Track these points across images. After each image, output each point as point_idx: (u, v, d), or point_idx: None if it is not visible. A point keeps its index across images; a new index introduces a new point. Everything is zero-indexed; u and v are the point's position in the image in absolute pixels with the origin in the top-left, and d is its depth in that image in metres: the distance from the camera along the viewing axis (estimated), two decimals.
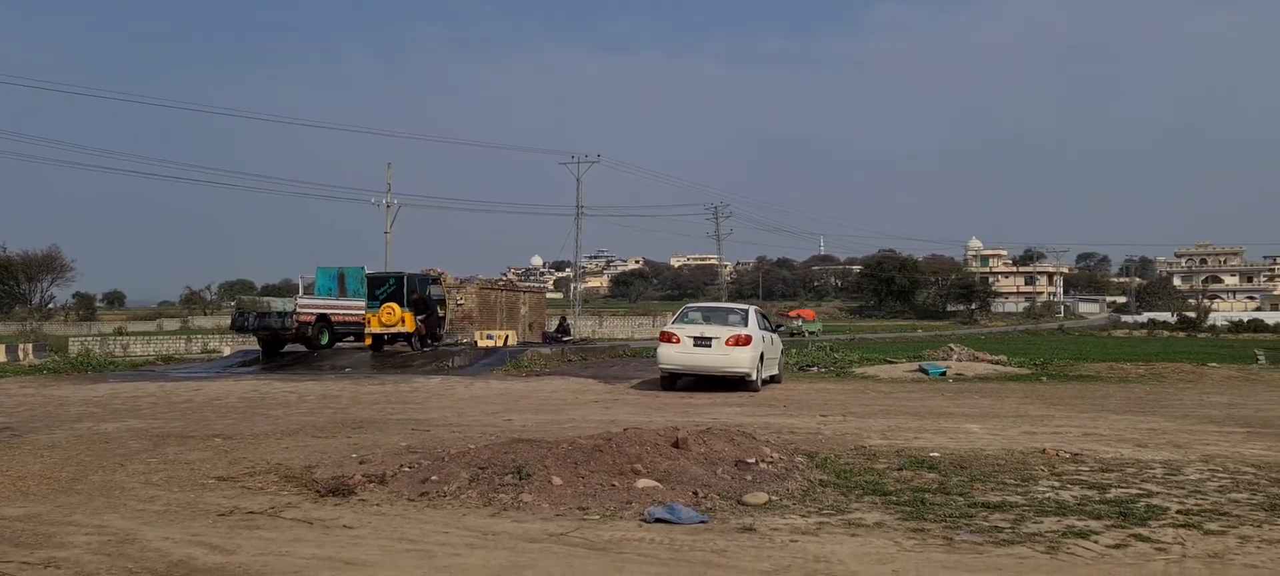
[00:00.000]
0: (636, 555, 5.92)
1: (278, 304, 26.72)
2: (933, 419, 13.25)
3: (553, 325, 41.50)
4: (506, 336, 33.14)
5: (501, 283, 43.88)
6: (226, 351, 35.88)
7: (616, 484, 7.65)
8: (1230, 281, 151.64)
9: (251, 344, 30.05)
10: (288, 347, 26.91)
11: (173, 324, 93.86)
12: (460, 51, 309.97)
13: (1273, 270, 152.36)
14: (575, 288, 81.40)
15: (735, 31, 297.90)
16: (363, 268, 28.76)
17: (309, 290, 29.74)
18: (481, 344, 30.65)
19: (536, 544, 6.19)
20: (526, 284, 74.43)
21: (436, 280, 31.27)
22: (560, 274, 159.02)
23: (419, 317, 26.82)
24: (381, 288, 27.60)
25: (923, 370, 22.43)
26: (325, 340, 26.53)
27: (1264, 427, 12.35)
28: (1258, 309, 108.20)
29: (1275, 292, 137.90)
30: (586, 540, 6.28)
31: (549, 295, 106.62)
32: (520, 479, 7.70)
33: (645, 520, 6.78)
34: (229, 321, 31.54)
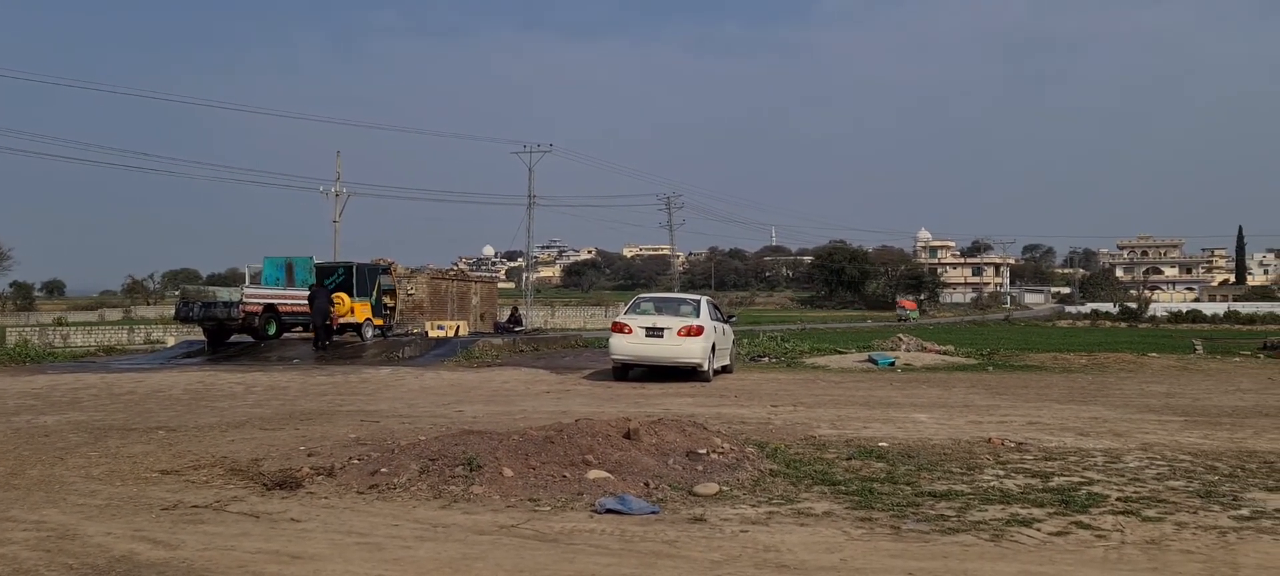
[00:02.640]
0: (587, 546, 5.92)
1: (223, 293, 26.23)
2: (881, 409, 13.40)
3: (505, 315, 41.33)
4: (458, 327, 32.86)
5: (453, 272, 43.57)
6: (170, 342, 35.21)
7: (567, 475, 7.65)
8: (1170, 273, 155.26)
9: (196, 334, 29.51)
10: (234, 338, 26.48)
11: (115, 314, 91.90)
12: (413, 37, 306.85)
13: (1211, 262, 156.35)
14: (527, 277, 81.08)
15: (694, 19, 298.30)
16: (311, 257, 28.39)
17: (256, 279, 29.27)
18: (432, 334, 30.38)
19: (487, 536, 6.17)
20: (478, 274, 73.83)
21: (386, 270, 30.96)
22: (512, 264, 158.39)
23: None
24: (330, 277, 27.25)
25: (872, 360, 22.68)
26: (273, 331, 26.14)
27: (1201, 416, 12.66)
28: (1196, 300, 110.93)
29: (1213, 284, 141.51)
30: (537, 531, 6.27)
31: (501, 285, 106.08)
32: (471, 470, 7.66)
33: (596, 511, 6.78)
34: (173, 311, 30.89)
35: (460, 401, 14.37)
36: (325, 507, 7.00)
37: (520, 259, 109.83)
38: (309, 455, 9.05)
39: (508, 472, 7.65)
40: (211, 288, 30.56)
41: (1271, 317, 73.06)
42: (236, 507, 7.01)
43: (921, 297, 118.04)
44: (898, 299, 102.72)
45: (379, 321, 28.10)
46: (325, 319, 24.90)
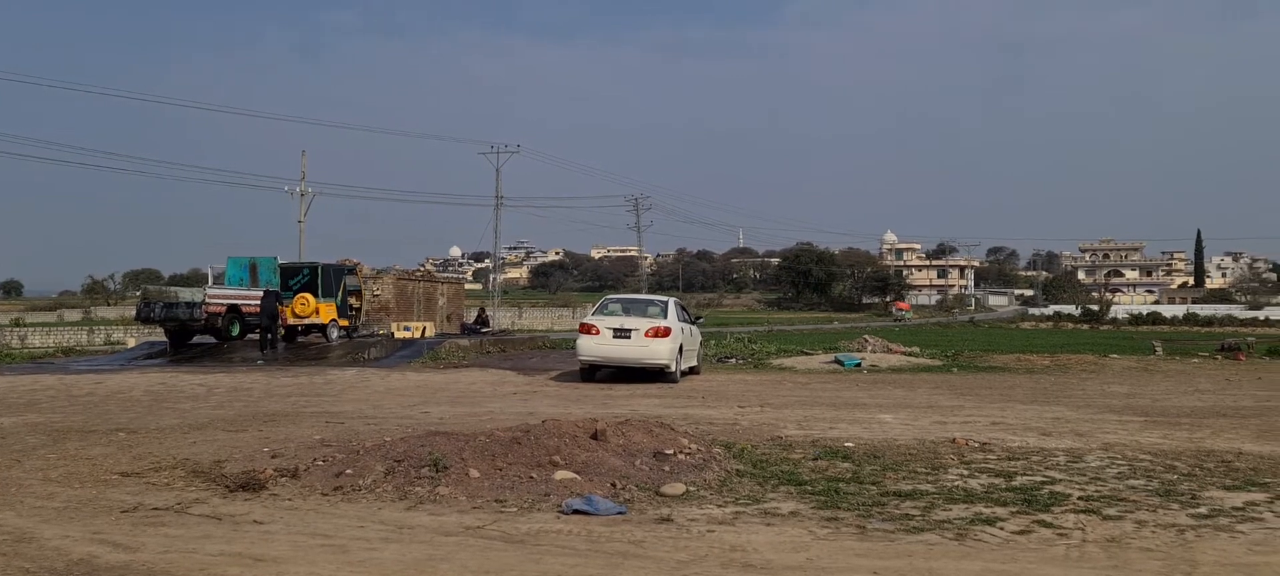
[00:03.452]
0: (554, 547, 5.90)
1: (186, 294, 25.90)
2: (847, 409, 13.48)
3: (471, 316, 41.15)
4: (424, 328, 32.72)
5: (419, 273, 43.29)
6: (131, 343, 34.73)
7: (534, 476, 7.62)
8: (1131, 276, 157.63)
9: (158, 336, 29.11)
10: (196, 339, 26.16)
11: (74, 315, 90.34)
12: (380, 38, 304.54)
13: (1170, 265, 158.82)
14: (494, 278, 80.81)
15: (663, 22, 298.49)
16: (275, 258, 28.08)
17: (219, 280, 28.92)
18: (398, 335, 30.21)
19: (453, 537, 6.14)
20: (445, 275, 73.41)
21: (352, 270, 30.71)
22: (479, 265, 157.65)
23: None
24: (295, 278, 27.00)
25: (838, 361, 22.81)
26: (236, 331, 25.84)
27: (1160, 417, 12.85)
28: (1156, 302, 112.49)
29: (1172, 287, 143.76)
30: (504, 533, 6.24)
31: (468, 286, 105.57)
32: (437, 471, 7.61)
33: (563, 512, 6.76)
34: (134, 312, 30.47)
35: (426, 403, 14.29)
36: (289, 509, 6.92)
37: (487, 260, 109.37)
38: (273, 457, 8.95)
39: (474, 474, 7.62)
40: (173, 288, 30.12)
41: (1229, 320, 74.29)
42: (198, 510, 6.92)
43: (888, 299, 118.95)
44: (895, 302, 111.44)
45: (344, 322, 27.88)
46: (273, 320, 24.63)
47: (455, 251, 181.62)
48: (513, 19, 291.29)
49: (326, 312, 26.82)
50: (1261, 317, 77.57)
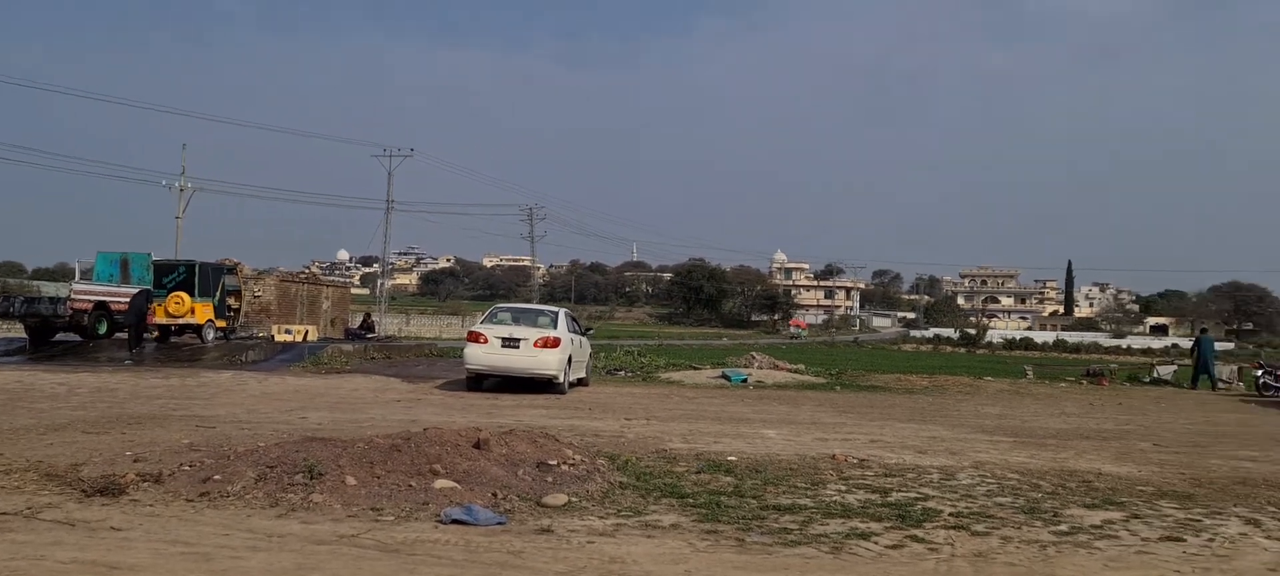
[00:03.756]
0: (429, 557, 5.77)
1: (49, 288, 24.70)
2: (732, 424, 13.62)
3: (356, 321, 40.20)
4: (306, 331, 31.83)
5: (303, 276, 42.09)
6: None
7: (413, 484, 7.46)
8: (1006, 302, 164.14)
9: (17, 331, 27.63)
10: (60, 337, 24.87)
11: None
12: (271, 33, 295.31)
13: (1043, 294, 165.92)
14: (382, 284, 79.18)
15: (564, 31, 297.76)
16: (149, 254, 26.94)
17: (87, 275, 27.59)
18: (279, 338, 29.31)
19: (325, 546, 5.94)
20: (330, 278, 71.65)
21: (232, 270, 29.69)
22: (368, 269, 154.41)
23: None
24: (170, 276, 25.92)
25: (726, 377, 23.07)
26: (103, 329, 24.67)
27: (1029, 437, 13.36)
28: (1028, 328, 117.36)
29: (1044, 314, 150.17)
30: (378, 542, 6.08)
31: (355, 291, 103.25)
32: (311, 478, 7.37)
33: (441, 521, 6.63)
34: None
35: (305, 408, 13.87)
36: (150, 516, 6.60)
37: (376, 264, 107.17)
38: (135, 461, 8.54)
39: (351, 481, 7.40)
40: (36, 282, 28.62)
41: (1095, 347, 77.95)
42: (50, 515, 6.55)
43: (778, 316, 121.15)
44: (792, 320, 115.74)
45: (222, 323, 26.88)
46: (140, 320, 23.64)
47: (343, 255, 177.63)
48: (411, 20, 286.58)
49: (202, 313, 25.82)
50: (1124, 346, 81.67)
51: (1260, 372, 26.58)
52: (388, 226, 68.19)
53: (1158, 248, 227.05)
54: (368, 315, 41.89)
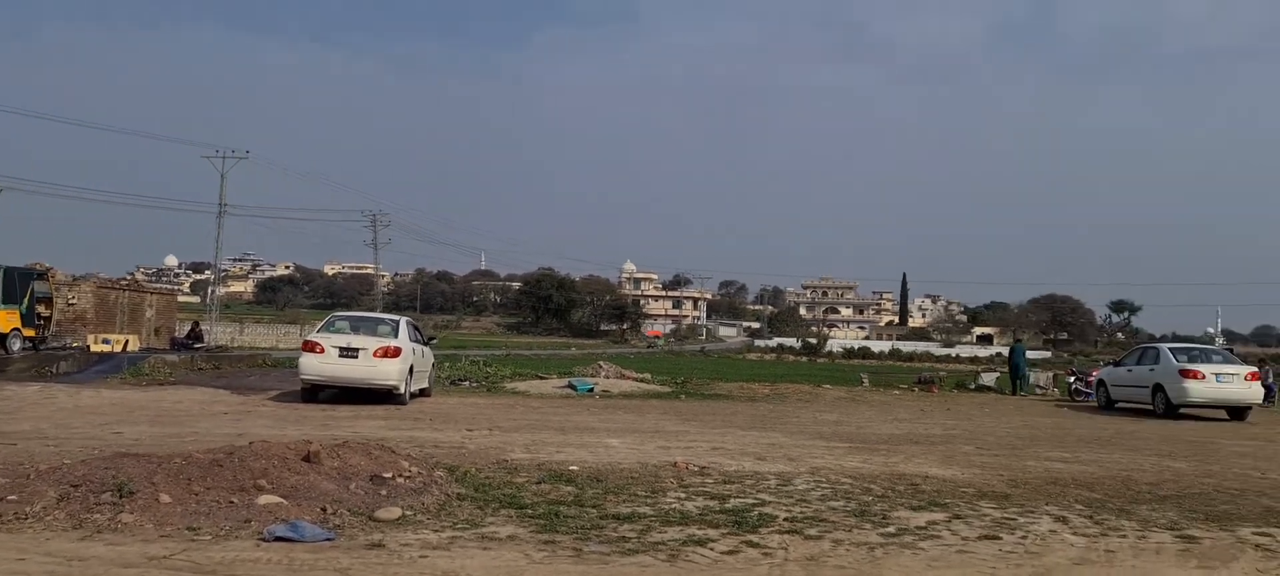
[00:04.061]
0: None
1: None
2: (576, 433, 13.56)
3: (184, 331, 38.20)
4: (127, 341, 30.02)
5: (125, 282, 39.65)
6: None
7: (235, 501, 7.07)
8: (846, 312, 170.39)
9: None
10: None
11: None
12: (89, 22, 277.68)
13: (880, 305, 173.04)
14: (213, 291, 75.55)
15: (409, 37, 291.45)
16: None
17: None
18: (96, 349, 27.55)
19: (133, 568, 5.55)
20: (156, 285, 67.92)
21: (42, 275, 27.71)
22: (199, 276, 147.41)
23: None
24: None
25: (572, 386, 23.01)
26: None
27: (862, 443, 13.82)
28: (866, 338, 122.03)
29: (881, 324, 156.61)
30: (193, 562, 5.72)
31: (184, 299, 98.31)
32: (121, 497, 6.89)
33: (264, 539, 6.30)
34: None
35: (121, 422, 13.02)
36: None
37: (208, 271, 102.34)
38: None
39: (165, 499, 6.95)
40: None
41: (928, 356, 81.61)
42: None
43: (625, 327, 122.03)
44: (649, 330, 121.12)
45: (30, 332, 25.05)
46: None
47: (171, 261, 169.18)
48: (249, 17, 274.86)
49: (8, 320, 23.99)
50: (954, 354, 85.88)
51: (1073, 379, 28.44)
52: (220, 231, 65.04)
53: (984, 261, 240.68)
54: (196, 324, 39.86)
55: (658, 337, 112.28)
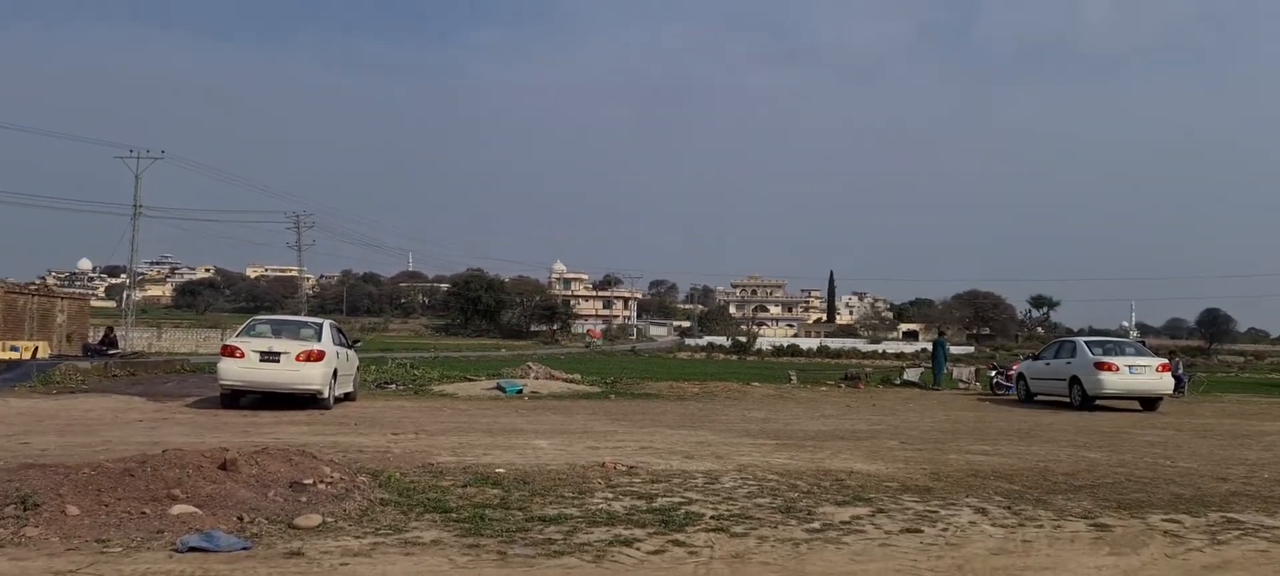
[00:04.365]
0: None
1: None
2: (504, 435, 13.45)
3: (97, 336, 37.01)
4: (36, 348, 28.98)
5: (33, 287, 38.23)
6: None
7: (148, 511, 6.84)
8: (775, 310, 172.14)
9: None
10: None
11: None
12: (7, 19, 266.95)
13: (808, 303, 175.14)
14: (128, 296, 73.36)
15: (333, 33, 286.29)
16: None
17: None
18: (3, 356, 26.52)
19: None
20: (68, 290, 65.71)
21: None
22: (114, 280, 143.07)
23: None
24: None
25: (500, 388, 22.84)
26: None
27: (789, 440, 13.94)
28: (795, 335, 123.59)
29: (809, 322, 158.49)
30: None
31: (99, 303, 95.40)
32: (25, 510, 6.62)
33: (177, 550, 6.11)
34: None
35: (28, 432, 12.53)
36: None
37: (123, 275, 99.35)
38: None
39: (73, 511, 6.70)
40: None
41: (855, 352, 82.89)
42: None
43: (555, 327, 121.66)
44: (588, 329, 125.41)
45: None
46: None
47: (85, 264, 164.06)
48: (160, 13, 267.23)
49: None
50: (880, 350, 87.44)
51: (994, 373, 29.09)
52: (135, 234, 63.36)
53: (909, 258, 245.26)
54: (110, 329, 38.62)
55: (597, 338, 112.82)
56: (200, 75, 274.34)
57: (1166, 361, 23.20)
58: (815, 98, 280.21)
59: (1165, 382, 21.82)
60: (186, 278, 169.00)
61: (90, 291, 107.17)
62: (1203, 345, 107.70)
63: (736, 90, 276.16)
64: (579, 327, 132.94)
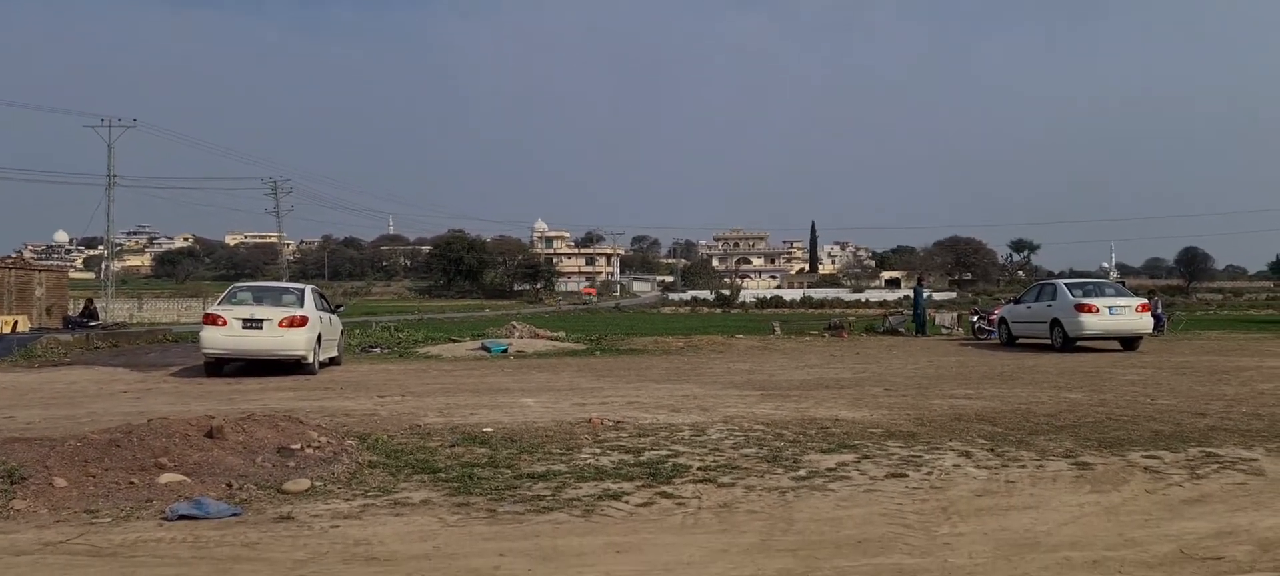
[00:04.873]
0: (151, 557, 5.31)
1: None
2: (490, 394, 13.47)
3: (78, 308, 36.74)
4: (15, 322, 28.75)
5: (10, 260, 37.81)
6: None
7: (136, 481, 6.85)
8: (757, 262, 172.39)
9: None
10: None
11: None
12: None
13: (790, 254, 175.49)
14: (107, 266, 72.75)
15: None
16: None
17: None
18: None
19: (27, 556, 5.33)
20: (45, 263, 65.14)
21: None
22: (92, 252, 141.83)
23: None
24: None
25: (485, 348, 22.85)
26: None
27: (774, 390, 14.03)
28: (778, 287, 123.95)
29: (792, 273, 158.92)
30: (92, 546, 5.52)
31: (77, 275, 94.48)
32: (12, 483, 6.62)
33: (167, 518, 6.12)
34: None
35: (12, 406, 12.46)
36: None
37: (101, 246, 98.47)
38: None
39: (60, 483, 6.70)
40: None
41: (838, 302, 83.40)
42: None
43: (537, 286, 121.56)
44: (583, 287, 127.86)
45: None
46: None
47: (62, 236, 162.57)
48: None
49: None
50: (863, 299, 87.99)
51: (976, 318, 29.32)
52: (111, 204, 62.80)
53: (891, 206, 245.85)
54: (90, 301, 38.33)
55: (592, 294, 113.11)
56: (172, 42, 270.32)
57: (1146, 301, 23.43)
58: (790, 46, 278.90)
59: (1144, 322, 22.03)
60: (165, 247, 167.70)
61: (68, 263, 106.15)
62: (1182, 283, 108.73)
63: (712, 39, 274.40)
64: (563, 286, 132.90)
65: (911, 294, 35.48)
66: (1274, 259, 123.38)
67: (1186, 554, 5.29)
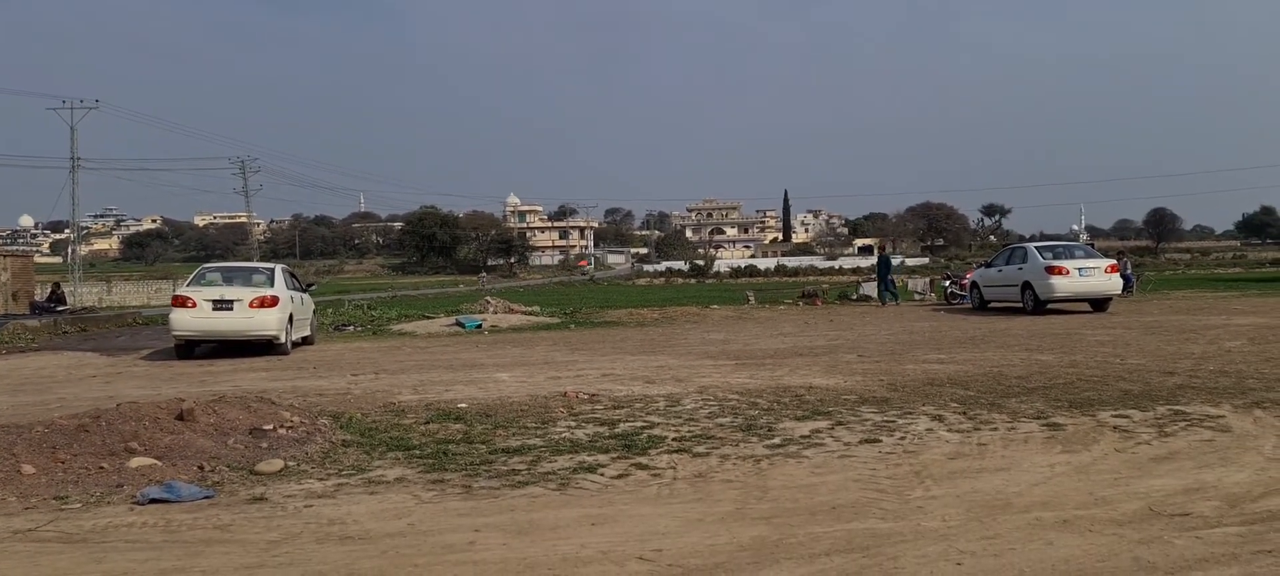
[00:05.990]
0: (123, 542, 5.25)
1: None
2: (465, 370, 13.43)
3: (45, 293, 36.28)
4: None
5: None
6: None
7: (106, 466, 6.78)
8: (731, 232, 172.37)
9: None
10: None
11: None
12: None
13: (764, 223, 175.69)
14: (74, 250, 71.82)
15: None
16: None
17: None
18: None
19: None
20: (10, 248, 64.20)
21: None
22: (58, 236, 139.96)
23: None
24: None
25: (459, 324, 22.75)
26: None
27: (749, 359, 14.06)
28: (752, 256, 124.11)
29: (766, 242, 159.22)
30: (62, 532, 5.47)
31: (44, 260, 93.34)
32: None
33: (138, 502, 6.06)
34: None
35: None
36: None
37: (67, 230, 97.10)
38: None
39: (28, 469, 6.62)
40: None
41: (811, 270, 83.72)
42: None
43: (511, 260, 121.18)
44: (577, 260, 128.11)
45: None
46: None
47: (27, 221, 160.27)
48: None
49: None
50: (836, 266, 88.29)
51: (948, 283, 29.52)
52: (75, 187, 61.90)
53: (863, 173, 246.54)
54: (57, 285, 37.86)
55: (586, 266, 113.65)
56: (133, 19, 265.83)
57: (1115, 262, 23.66)
58: (765, 13, 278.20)
59: (1114, 283, 22.26)
60: (133, 229, 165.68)
61: (34, 248, 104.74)
62: (1150, 244, 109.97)
63: (684, 7, 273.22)
64: (536, 260, 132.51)
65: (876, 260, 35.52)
66: (1240, 218, 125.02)
67: (1155, 511, 5.36)
